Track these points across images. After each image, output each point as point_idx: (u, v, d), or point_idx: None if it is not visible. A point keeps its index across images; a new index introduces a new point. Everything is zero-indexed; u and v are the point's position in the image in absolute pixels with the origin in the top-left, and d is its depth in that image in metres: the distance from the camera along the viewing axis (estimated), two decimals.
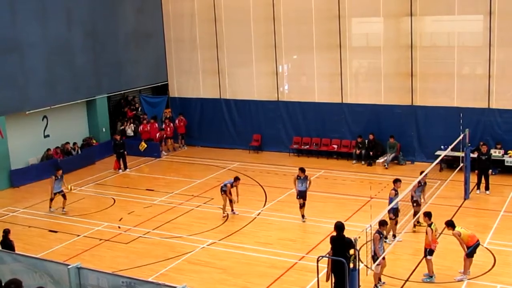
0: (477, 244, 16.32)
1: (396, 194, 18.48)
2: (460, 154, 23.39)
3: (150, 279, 15.31)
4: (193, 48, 32.41)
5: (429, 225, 16.31)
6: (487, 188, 23.37)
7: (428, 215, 16.51)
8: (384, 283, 15.96)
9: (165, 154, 31.38)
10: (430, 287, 16.08)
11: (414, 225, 19.65)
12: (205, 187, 25.49)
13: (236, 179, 21.95)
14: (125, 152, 28.73)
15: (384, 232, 15.59)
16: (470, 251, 16.17)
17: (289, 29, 29.96)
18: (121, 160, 28.68)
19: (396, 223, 18.98)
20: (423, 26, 27.55)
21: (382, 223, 15.28)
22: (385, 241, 17.56)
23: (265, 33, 30.35)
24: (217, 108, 32.26)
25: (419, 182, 19.11)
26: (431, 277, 16.33)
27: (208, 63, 32.18)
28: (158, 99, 34.77)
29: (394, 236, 18.93)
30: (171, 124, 32.20)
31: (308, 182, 21.02)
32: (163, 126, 32.09)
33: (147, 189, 25.36)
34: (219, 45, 31.65)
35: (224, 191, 21.60)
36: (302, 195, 20.98)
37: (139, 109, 35.02)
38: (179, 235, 20.27)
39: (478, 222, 20.25)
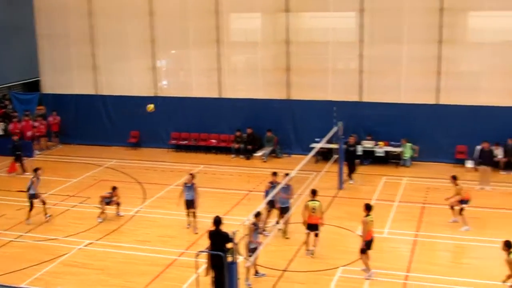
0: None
1: (273, 187, 18.80)
2: (334, 146, 24.17)
3: (23, 285, 14.75)
4: (67, 43, 31.30)
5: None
6: (351, 177, 24.34)
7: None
8: (264, 274, 16.13)
9: (38, 153, 30.18)
10: (305, 276, 16.46)
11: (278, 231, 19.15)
12: (81, 186, 24.79)
13: (114, 188, 21.27)
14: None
15: (260, 224, 15.69)
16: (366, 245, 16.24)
17: (167, 24, 29.68)
18: (19, 162, 27.10)
19: (272, 215, 19.28)
20: (299, 22, 28.17)
21: (257, 215, 15.38)
22: (264, 234, 17.88)
23: (142, 28, 29.89)
24: (93, 104, 31.40)
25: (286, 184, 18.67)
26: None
27: (83, 58, 31.19)
28: (30, 96, 33.37)
29: (277, 222, 19.32)
30: (44, 122, 31.01)
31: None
32: (36, 124, 30.80)
33: (18, 191, 24.15)
34: (95, 40, 30.82)
35: (107, 202, 21.01)
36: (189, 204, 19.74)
37: (10, 107, 33.46)
38: (54, 237, 19.56)
39: (351, 211, 20.95)
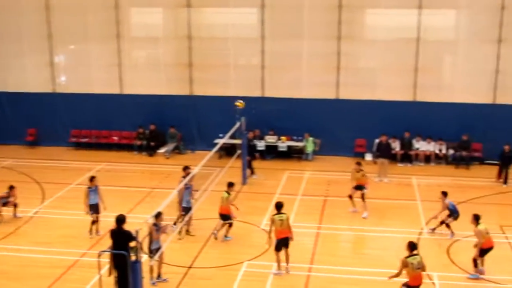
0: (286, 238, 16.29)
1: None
2: (237, 141, 24.31)
3: None
4: None
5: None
6: (252, 172, 24.55)
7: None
8: (166, 280, 15.90)
9: None
10: (212, 272, 16.49)
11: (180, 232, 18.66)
12: None
13: (11, 188, 20.41)
14: None
15: (161, 224, 15.40)
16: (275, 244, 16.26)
17: (65, 19, 28.82)
18: None
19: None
20: (201, 17, 28.16)
21: (157, 215, 15.11)
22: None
23: (39, 22, 28.90)
24: None
25: (185, 184, 18.36)
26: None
27: None
28: None
29: (175, 223, 19.19)
30: None
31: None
32: None
33: None
34: None
35: (4, 203, 20.12)
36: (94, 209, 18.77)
37: None
38: None
39: (256, 206, 21.18)
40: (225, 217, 18.04)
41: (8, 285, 15.92)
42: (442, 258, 17.09)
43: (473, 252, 16.09)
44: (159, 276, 15.65)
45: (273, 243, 16.23)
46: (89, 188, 18.64)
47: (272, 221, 16.12)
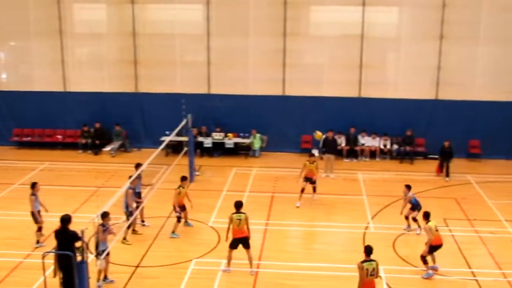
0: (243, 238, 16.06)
1: (138, 178, 18.73)
2: (184, 138, 24.16)
3: None
4: None
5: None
6: (195, 169, 24.45)
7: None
8: (112, 281, 15.66)
9: None
10: (162, 270, 16.38)
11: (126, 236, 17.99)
12: None
13: None
14: None
15: (108, 224, 15.16)
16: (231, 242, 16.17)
17: (5, 14, 28.14)
18: None
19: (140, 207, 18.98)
20: (146, 14, 27.86)
21: (104, 215, 14.85)
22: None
23: None
24: None
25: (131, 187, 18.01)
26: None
27: None
28: None
29: (143, 221, 19.12)
30: None
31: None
32: None
33: None
34: None
35: None
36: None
37: None
38: None
39: (203, 203, 21.08)
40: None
41: None
42: (388, 252, 17.37)
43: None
44: (105, 277, 15.42)
45: (229, 241, 16.13)
46: (33, 195, 17.63)
47: (230, 220, 15.94)
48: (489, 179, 23.73)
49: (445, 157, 24.37)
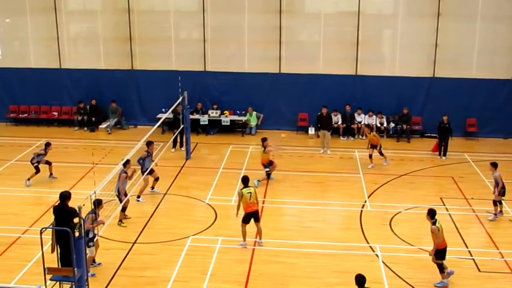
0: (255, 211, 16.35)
1: (149, 156, 19.01)
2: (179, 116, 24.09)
3: None
4: None
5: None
6: (181, 145, 24.38)
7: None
8: (100, 264, 15.61)
9: None
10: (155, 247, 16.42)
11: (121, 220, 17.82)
12: None
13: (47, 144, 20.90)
14: None
15: (99, 212, 15.11)
16: (243, 217, 16.33)
17: None
18: None
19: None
20: None
21: (98, 203, 14.78)
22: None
23: None
24: None
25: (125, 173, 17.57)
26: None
27: None
28: None
29: (138, 197, 19.25)
30: None
31: None
32: None
33: None
34: None
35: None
36: None
37: None
38: None
39: (200, 180, 21.14)
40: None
41: None
42: (384, 230, 17.43)
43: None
44: (93, 261, 15.31)
45: (240, 216, 16.27)
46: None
47: (241, 195, 16.11)
48: (486, 157, 23.75)
49: (443, 134, 23.98)
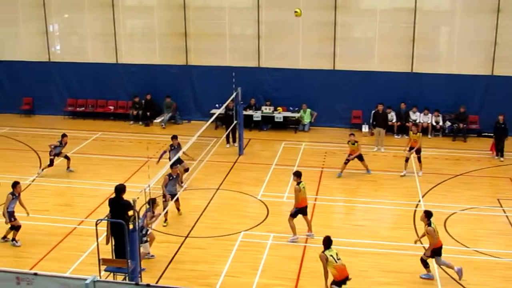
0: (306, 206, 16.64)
1: (173, 150, 19.24)
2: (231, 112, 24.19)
3: None
4: None
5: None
6: (234, 140, 24.39)
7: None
8: (153, 256, 15.64)
9: None
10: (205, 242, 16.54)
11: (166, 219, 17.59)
12: None
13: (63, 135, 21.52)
14: None
15: (156, 211, 15.30)
16: (295, 212, 16.46)
17: None
18: None
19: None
20: None
21: (153, 202, 14.99)
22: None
23: None
24: None
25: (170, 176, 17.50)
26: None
27: None
28: None
29: (181, 182, 19.53)
30: None
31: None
32: None
33: None
34: None
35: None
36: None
37: None
38: None
39: (252, 176, 21.19)
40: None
41: (5, 253, 15.96)
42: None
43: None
44: (147, 253, 15.52)
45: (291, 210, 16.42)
46: (12, 194, 16.37)
47: (299, 190, 16.23)
48: None
49: (500, 134, 23.38)
